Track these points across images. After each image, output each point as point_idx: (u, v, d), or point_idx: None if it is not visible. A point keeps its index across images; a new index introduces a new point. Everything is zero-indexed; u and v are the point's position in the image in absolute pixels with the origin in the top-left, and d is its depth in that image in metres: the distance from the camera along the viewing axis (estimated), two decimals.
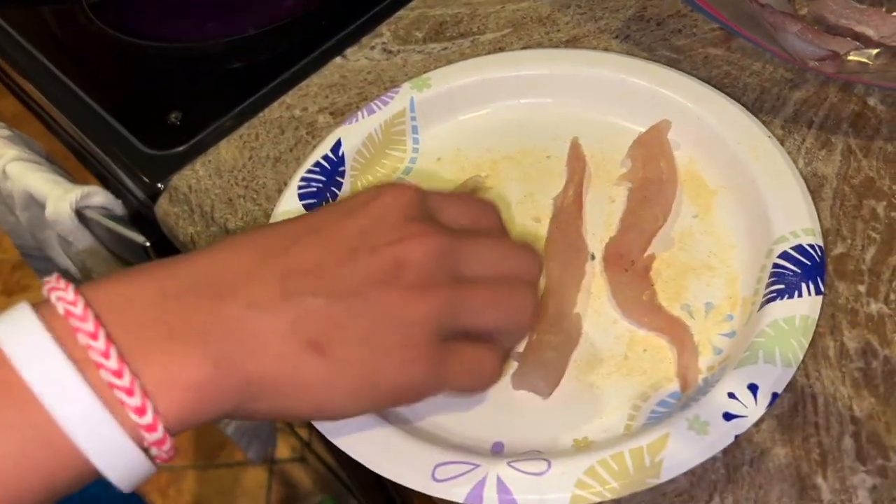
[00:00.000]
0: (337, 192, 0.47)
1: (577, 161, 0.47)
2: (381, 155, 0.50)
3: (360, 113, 0.50)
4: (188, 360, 0.28)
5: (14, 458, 0.26)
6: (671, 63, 0.51)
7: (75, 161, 0.66)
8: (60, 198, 0.57)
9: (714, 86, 0.49)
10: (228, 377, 0.28)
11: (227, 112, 0.55)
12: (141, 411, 0.27)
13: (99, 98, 0.59)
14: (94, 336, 0.27)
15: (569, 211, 0.45)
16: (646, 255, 0.42)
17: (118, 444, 0.27)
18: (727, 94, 0.48)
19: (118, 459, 0.27)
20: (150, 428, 0.27)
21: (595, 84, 0.49)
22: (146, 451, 0.28)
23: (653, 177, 0.44)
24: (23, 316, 0.27)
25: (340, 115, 0.52)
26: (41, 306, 0.28)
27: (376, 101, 0.50)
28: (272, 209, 0.48)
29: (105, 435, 0.26)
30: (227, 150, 0.52)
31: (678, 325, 0.38)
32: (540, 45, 0.54)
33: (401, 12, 0.58)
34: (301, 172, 0.48)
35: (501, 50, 0.54)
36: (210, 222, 0.49)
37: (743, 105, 0.47)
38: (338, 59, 0.56)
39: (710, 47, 0.51)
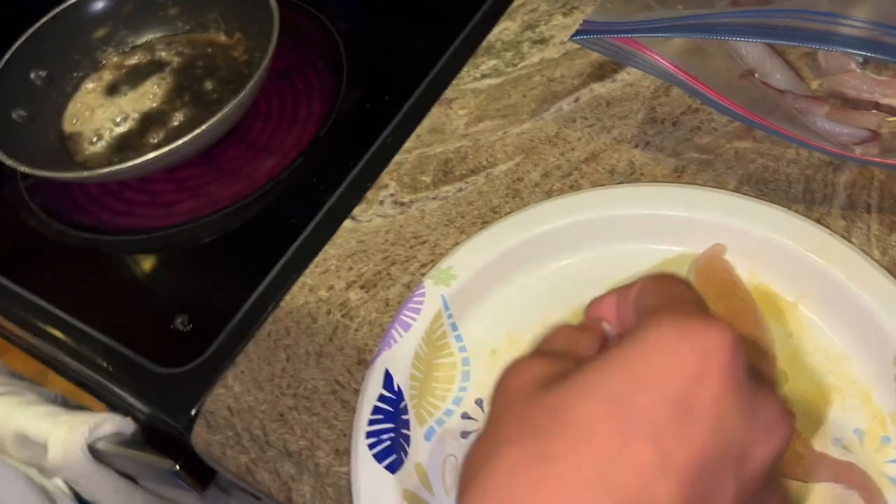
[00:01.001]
0: (407, 432, 0.41)
1: None
2: (432, 368, 0.44)
3: (393, 332, 0.44)
4: None
5: None
6: (702, 164, 0.49)
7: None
8: (66, 438, 0.50)
9: (755, 182, 0.47)
10: None
11: (240, 305, 0.50)
12: None
13: (81, 313, 0.53)
14: None
15: None
16: None
17: None
18: (771, 189, 0.47)
19: None
20: None
21: (621, 221, 0.47)
22: None
23: (736, 311, 0.41)
24: None
25: (372, 286, 0.48)
26: None
27: (404, 312, 0.44)
28: (332, 417, 0.43)
29: None
30: (258, 355, 0.47)
31: (850, 469, 0.35)
32: (558, 168, 0.51)
33: (398, 157, 0.55)
34: (363, 426, 0.41)
35: (520, 180, 0.51)
36: (265, 446, 0.43)
37: (792, 198, 0.46)
38: (348, 223, 0.52)
39: (736, 140, 0.50)
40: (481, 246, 0.46)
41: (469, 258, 0.46)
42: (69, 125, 0.63)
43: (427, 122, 0.56)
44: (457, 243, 0.48)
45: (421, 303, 0.45)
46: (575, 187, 0.50)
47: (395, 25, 0.65)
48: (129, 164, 0.53)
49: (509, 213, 0.49)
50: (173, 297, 0.52)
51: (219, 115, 0.53)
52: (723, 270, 0.43)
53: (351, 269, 0.49)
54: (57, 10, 0.64)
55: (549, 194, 0.50)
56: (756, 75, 0.51)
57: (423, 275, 0.47)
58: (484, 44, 0.60)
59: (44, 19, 0.64)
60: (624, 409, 0.24)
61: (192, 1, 0.67)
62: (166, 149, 0.53)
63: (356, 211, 0.52)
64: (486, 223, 0.50)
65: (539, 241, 0.46)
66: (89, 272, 0.57)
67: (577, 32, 0.47)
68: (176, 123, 0.61)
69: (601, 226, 0.46)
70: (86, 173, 0.55)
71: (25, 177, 0.60)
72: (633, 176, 0.50)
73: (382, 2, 0.68)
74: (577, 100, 0.55)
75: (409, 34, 0.64)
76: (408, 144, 0.55)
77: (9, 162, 0.55)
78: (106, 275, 0.57)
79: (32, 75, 0.63)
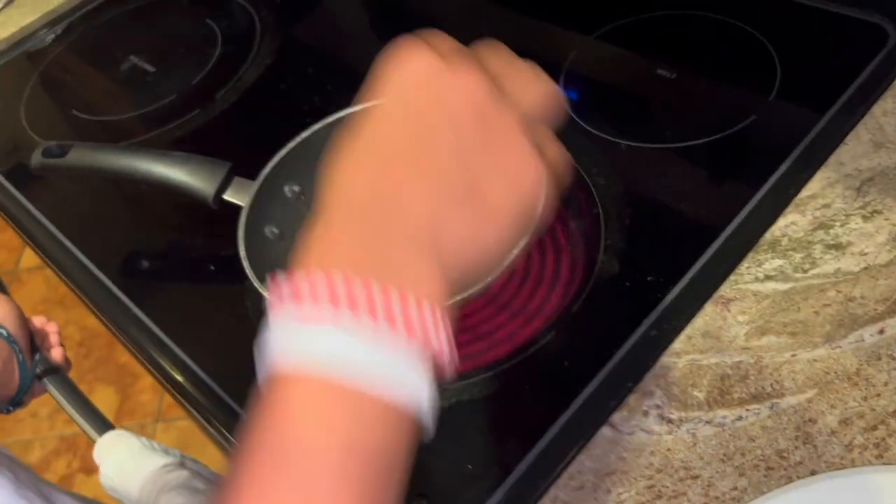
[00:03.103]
0: None
1: None
2: None
3: None
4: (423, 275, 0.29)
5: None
6: None
7: None
8: None
9: None
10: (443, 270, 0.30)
11: None
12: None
13: None
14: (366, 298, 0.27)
15: None
16: None
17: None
18: None
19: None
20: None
21: None
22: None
23: None
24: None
25: None
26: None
27: None
28: None
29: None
30: None
31: None
32: (860, 416, 0.44)
33: (666, 359, 0.50)
34: None
35: (812, 422, 0.45)
36: None
37: None
38: (607, 431, 0.47)
39: None
40: None
41: None
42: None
43: (699, 322, 0.51)
44: (735, 488, 0.43)
45: None
46: (881, 447, 0.44)
47: (663, 195, 0.61)
48: None
49: (799, 462, 0.44)
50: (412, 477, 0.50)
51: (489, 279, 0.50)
52: None
53: (609, 491, 0.45)
54: (316, 126, 0.65)
55: (848, 448, 0.44)
56: None
57: None
58: (767, 236, 0.54)
59: (304, 134, 0.64)
60: None
61: None
62: None
63: (616, 418, 0.48)
64: (770, 469, 0.44)
65: None
66: None
67: None
68: None
69: None
70: None
71: None
72: None
73: (647, 168, 0.64)
74: (881, 331, 0.48)
75: (677, 207, 0.60)
76: (677, 346, 0.50)
77: (257, 285, 0.55)
78: None
79: (287, 189, 0.64)
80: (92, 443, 0.63)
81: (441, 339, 0.28)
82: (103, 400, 1.76)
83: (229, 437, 0.56)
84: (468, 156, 0.31)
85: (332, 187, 0.32)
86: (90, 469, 1.66)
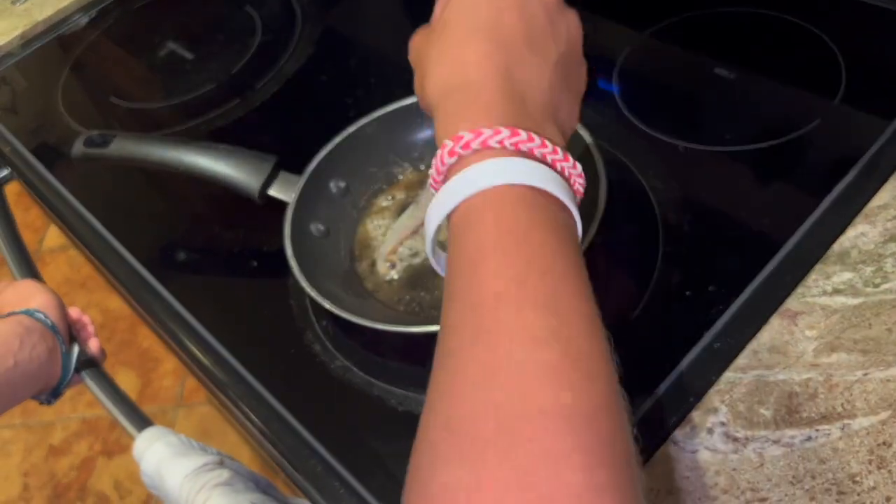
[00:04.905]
0: None
1: None
2: None
3: None
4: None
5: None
6: None
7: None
8: None
9: None
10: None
11: None
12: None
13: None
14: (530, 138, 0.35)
15: None
16: None
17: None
18: None
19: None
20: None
21: None
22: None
23: None
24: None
25: None
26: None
27: None
28: None
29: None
30: None
31: None
32: None
33: (730, 374, 0.48)
34: None
35: (886, 446, 0.43)
36: None
37: None
38: (670, 448, 0.46)
39: None
40: None
41: None
42: (360, 244, 0.61)
43: (765, 337, 0.49)
44: None
45: None
46: None
47: (723, 200, 0.59)
48: (418, 328, 0.50)
49: (873, 487, 0.42)
50: None
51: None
52: None
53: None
54: (363, 121, 0.63)
55: None
56: None
57: None
58: (836, 248, 0.52)
59: (350, 129, 0.63)
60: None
61: None
62: None
63: (679, 434, 0.46)
64: (842, 494, 0.42)
65: None
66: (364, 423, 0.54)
67: None
68: None
69: None
70: (380, 326, 0.51)
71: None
72: None
73: (706, 171, 0.62)
74: None
75: (738, 213, 0.57)
76: (741, 361, 0.49)
77: (304, 285, 0.54)
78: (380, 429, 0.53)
79: (332, 185, 0.62)
80: (115, 426, 0.62)
81: (578, 175, 0.36)
82: (125, 384, 1.75)
83: (254, 420, 0.55)
84: (558, 40, 0.40)
85: (464, 59, 0.38)
86: (111, 452, 1.67)
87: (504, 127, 0.34)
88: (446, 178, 0.35)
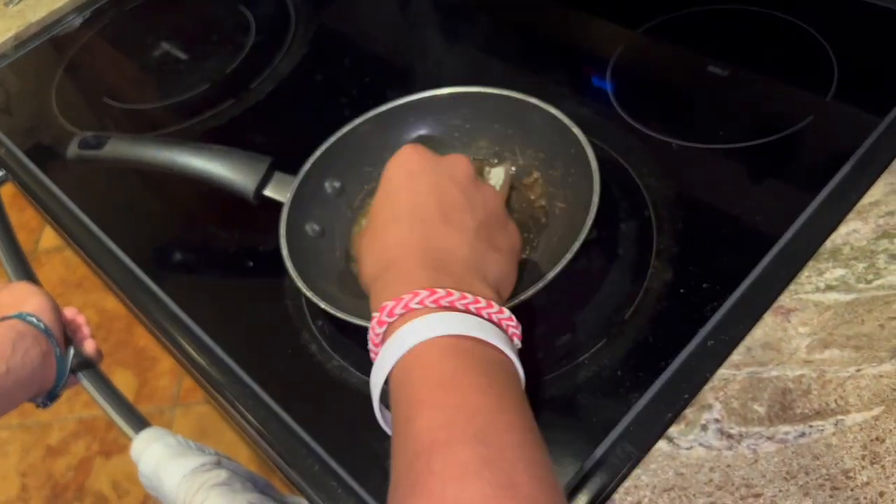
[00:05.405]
0: None
1: None
2: None
3: None
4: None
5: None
6: None
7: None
8: None
9: None
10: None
11: None
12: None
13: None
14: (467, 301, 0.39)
15: None
16: None
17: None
18: None
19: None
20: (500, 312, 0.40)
21: None
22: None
23: None
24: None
25: None
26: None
27: None
28: None
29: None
30: None
31: None
32: None
33: (724, 371, 0.48)
34: None
35: (879, 441, 0.44)
36: None
37: None
38: (664, 445, 0.46)
39: None
40: None
41: None
42: (355, 245, 0.61)
43: (759, 333, 0.50)
44: None
45: None
46: None
47: (717, 197, 0.59)
48: None
49: (866, 483, 0.42)
50: None
51: (539, 285, 0.49)
52: None
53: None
54: (358, 121, 0.63)
55: None
56: None
57: None
58: (828, 244, 0.53)
59: (345, 129, 0.63)
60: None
61: (498, 135, 0.63)
62: None
63: (673, 430, 0.46)
64: (836, 489, 0.42)
65: None
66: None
67: None
68: None
69: None
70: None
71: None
72: None
73: (700, 169, 0.62)
74: None
75: (732, 210, 0.58)
76: (735, 357, 0.49)
77: (300, 285, 0.54)
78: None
79: (327, 185, 0.62)
80: (113, 426, 0.62)
81: (509, 321, 0.40)
82: (122, 383, 1.75)
83: (252, 419, 0.55)
84: (475, 210, 0.44)
85: (386, 244, 0.43)
86: (109, 452, 1.67)
87: (423, 289, 0.38)
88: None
